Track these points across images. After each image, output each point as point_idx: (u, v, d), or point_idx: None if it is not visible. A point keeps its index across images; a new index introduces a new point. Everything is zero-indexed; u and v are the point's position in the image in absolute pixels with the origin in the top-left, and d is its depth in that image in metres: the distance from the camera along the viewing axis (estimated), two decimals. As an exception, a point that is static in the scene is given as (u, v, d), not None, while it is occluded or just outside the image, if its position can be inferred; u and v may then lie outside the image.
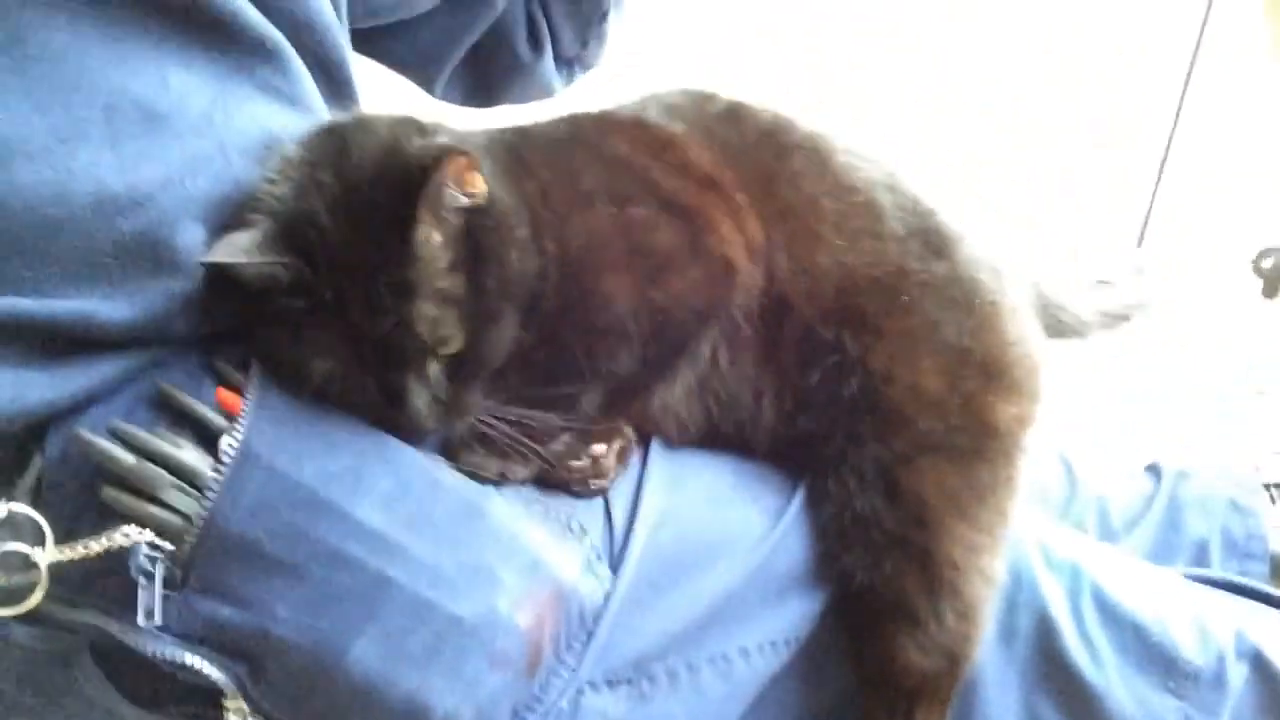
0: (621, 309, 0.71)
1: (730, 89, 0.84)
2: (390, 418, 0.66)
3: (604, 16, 1.14)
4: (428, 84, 1.10)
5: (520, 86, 1.16)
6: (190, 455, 0.62)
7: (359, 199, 0.64)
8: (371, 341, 0.63)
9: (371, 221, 0.63)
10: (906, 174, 0.82)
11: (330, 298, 0.63)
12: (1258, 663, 0.78)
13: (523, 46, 1.12)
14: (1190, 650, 0.77)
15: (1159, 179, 2.26)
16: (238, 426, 0.62)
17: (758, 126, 0.81)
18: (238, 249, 0.62)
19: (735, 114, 0.81)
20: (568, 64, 1.19)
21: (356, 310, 0.63)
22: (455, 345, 0.65)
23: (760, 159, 0.79)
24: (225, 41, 0.68)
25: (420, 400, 0.65)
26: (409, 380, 0.64)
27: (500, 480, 0.70)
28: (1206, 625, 0.79)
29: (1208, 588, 0.87)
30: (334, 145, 0.67)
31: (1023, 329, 0.79)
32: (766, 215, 0.76)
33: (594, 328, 0.71)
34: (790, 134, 0.81)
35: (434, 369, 0.65)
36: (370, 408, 0.66)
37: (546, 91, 1.19)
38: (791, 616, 0.73)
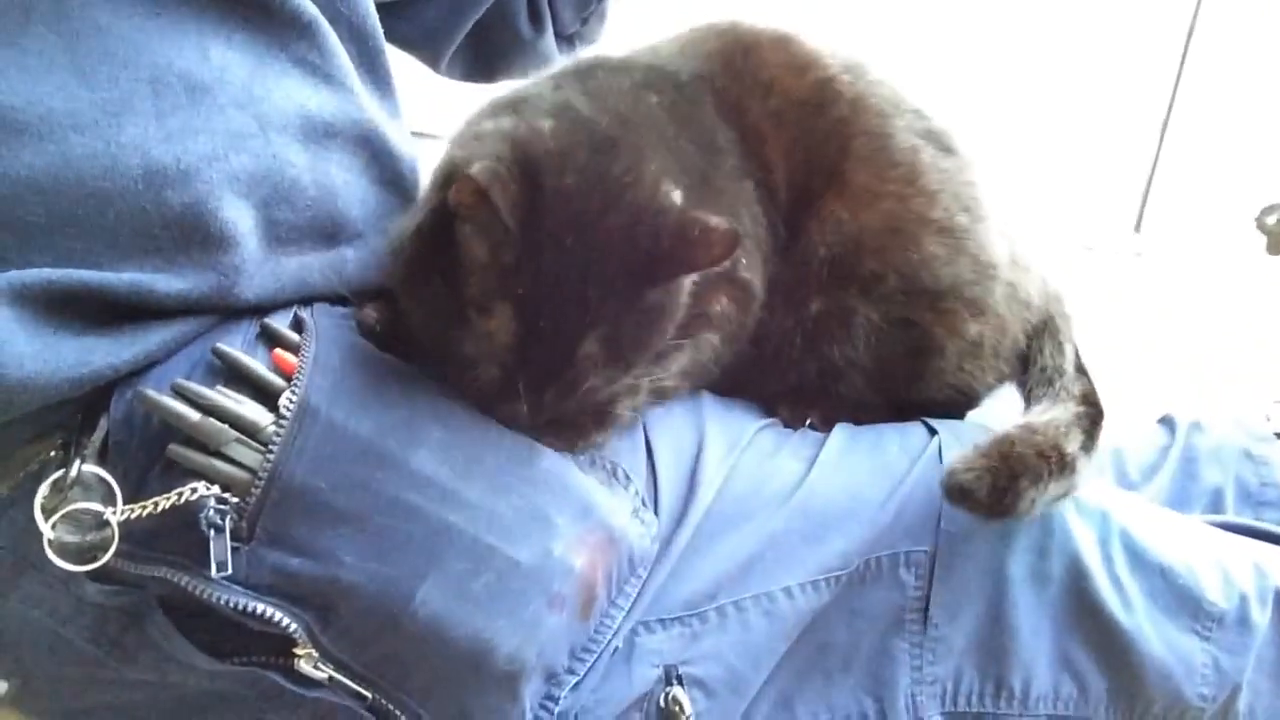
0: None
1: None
2: (493, 407, 0.69)
3: None
4: (433, 62, 1.12)
5: (521, 63, 1.16)
6: (251, 410, 0.64)
7: (610, 226, 0.66)
8: (539, 348, 0.65)
9: (611, 253, 0.65)
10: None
11: (522, 292, 0.65)
12: None
13: (524, 24, 1.13)
14: (1215, 593, 0.78)
15: (1162, 137, 2.27)
16: (296, 382, 0.64)
17: (835, 114, 0.84)
18: (496, 177, 0.62)
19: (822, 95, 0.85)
20: (568, 41, 1.20)
21: (544, 317, 0.65)
22: (583, 383, 0.68)
23: (826, 151, 0.83)
24: (262, 16, 0.69)
25: (529, 410, 0.68)
26: (544, 396, 0.67)
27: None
28: (1228, 568, 0.81)
29: (1226, 532, 0.89)
30: (632, 147, 0.69)
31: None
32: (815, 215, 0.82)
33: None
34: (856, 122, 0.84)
35: (552, 391, 0.67)
36: (475, 390, 0.68)
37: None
38: (830, 555, 0.75)
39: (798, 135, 0.82)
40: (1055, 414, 0.80)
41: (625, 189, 0.67)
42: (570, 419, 0.71)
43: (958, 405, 0.89)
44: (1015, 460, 0.72)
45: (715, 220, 0.66)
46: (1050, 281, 0.95)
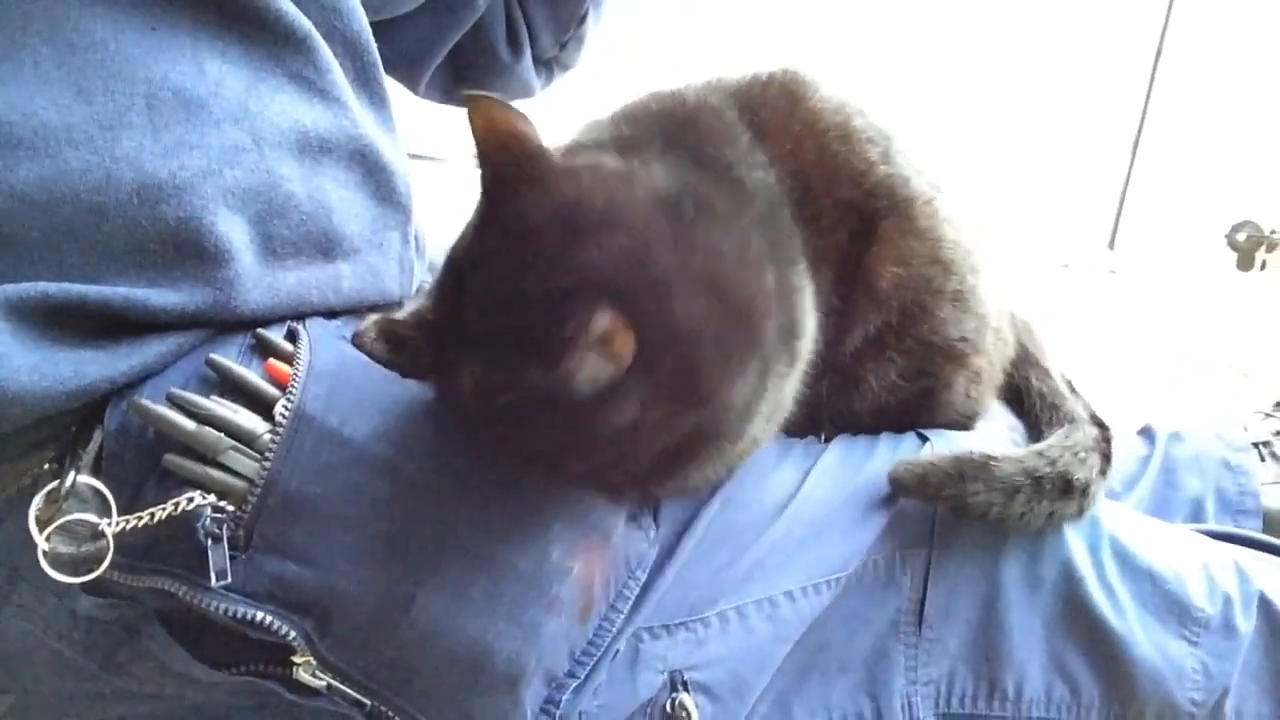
0: None
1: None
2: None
3: (582, 19, 1.17)
4: (411, 84, 1.12)
5: (500, 87, 1.17)
6: (247, 419, 0.64)
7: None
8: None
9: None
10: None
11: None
12: (1264, 607, 0.80)
13: (502, 48, 1.14)
14: (1200, 599, 0.79)
15: (1133, 158, 2.32)
16: (291, 390, 0.64)
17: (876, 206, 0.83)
18: None
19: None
20: (546, 65, 1.21)
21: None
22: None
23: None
24: (257, 31, 0.69)
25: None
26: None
27: None
28: (1213, 573, 0.81)
29: (1208, 538, 0.90)
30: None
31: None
32: None
33: None
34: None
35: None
36: None
37: (526, 91, 1.21)
38: (830, 558, 0.75)
39: (847, 234, 0.81)
40: (1076, 438, 0.83)
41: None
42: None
43: (962, 429, 0.91)
44: (970, 465, 0.75)
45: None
46: (1018, 315, 0.98)
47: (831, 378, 0.81)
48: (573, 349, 0.57)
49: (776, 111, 0.80)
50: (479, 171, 0.65)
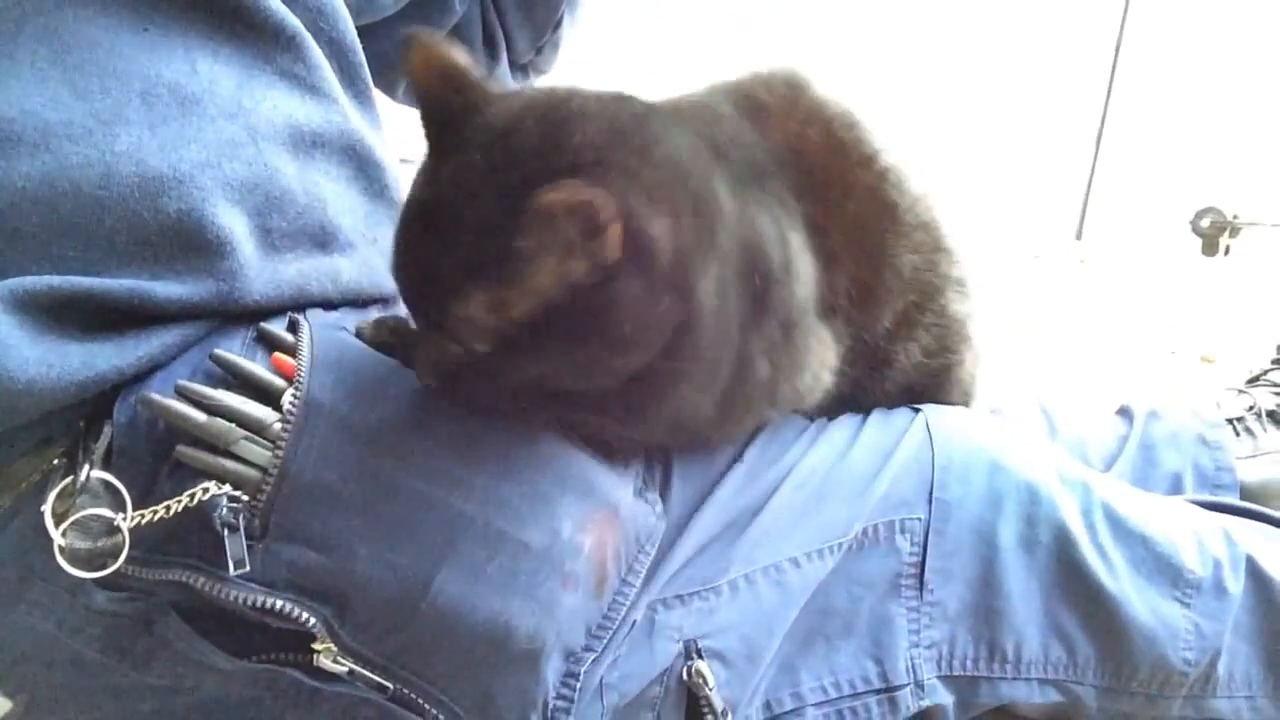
0: None
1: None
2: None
3: (557, 24, 1.18)
4: (389, 89, 1.13)
5: None
6: (257, 409, 0.64)
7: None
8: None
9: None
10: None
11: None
12: (1251, 568, 0.82)
13: (479, 53, 1.15)
14: (1192, 561, 0.81)
15: (1097, 150, 2.36)
16: (298, 379, 0.65)
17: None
18: None
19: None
20: (522, 70, 1.23)
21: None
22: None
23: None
24: (247, 29, 0.71)
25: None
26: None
27: None
28: (1202, 537, 0.84)
29: (1194, 506, 0.92)
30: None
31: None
32: None
33: None
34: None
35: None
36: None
37: None
38: (833, 524, 0.77)
39: (860, 211, 0.81)
40: None
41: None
42: None
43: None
44: None
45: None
46: None
47: (867, 359, 0.83)
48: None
49: (779, 98, 0.80)
50: (421, 110, 0.63)
